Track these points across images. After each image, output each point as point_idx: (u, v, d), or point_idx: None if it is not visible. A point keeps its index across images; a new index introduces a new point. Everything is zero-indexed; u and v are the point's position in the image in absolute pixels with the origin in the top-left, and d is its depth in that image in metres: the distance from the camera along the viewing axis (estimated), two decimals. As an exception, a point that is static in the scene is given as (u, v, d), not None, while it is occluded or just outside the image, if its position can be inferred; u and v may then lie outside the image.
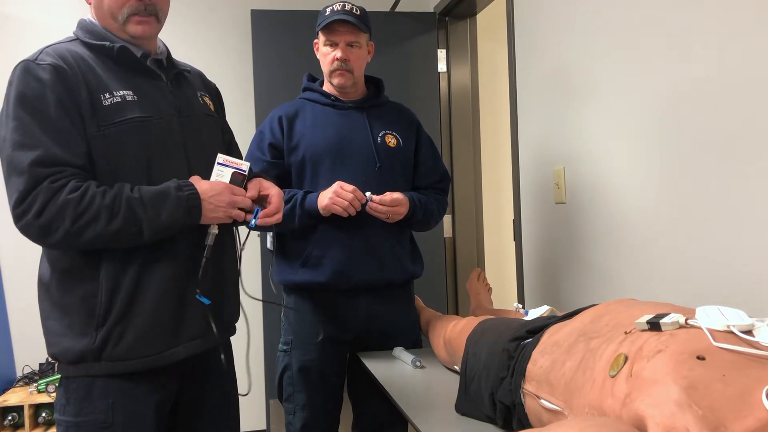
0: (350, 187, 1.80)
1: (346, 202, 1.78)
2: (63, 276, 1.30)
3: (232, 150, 1.61)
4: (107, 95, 1.29)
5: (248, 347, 1.53)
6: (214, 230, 1.38)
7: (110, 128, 1.28)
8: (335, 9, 1.89)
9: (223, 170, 1.39)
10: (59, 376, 1.36)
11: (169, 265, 1.33)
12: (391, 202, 1.83)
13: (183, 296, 1.35)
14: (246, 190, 1.42)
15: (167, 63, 1.44)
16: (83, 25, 1.38)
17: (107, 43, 1.34)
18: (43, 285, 1.34)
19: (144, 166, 1.32)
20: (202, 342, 1.39)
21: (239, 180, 1.40)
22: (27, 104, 1.23)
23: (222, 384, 1.50)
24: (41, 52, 1.29)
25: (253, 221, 1.42)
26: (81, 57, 1.31)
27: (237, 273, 1.52)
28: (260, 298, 2.77)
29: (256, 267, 2.98)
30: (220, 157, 1.40)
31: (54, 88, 1.24)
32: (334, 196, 1.78)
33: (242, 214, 1.39)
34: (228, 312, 1.50)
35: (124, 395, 1.30)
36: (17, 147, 1.21)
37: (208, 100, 1.53)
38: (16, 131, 1.22)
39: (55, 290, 1.30)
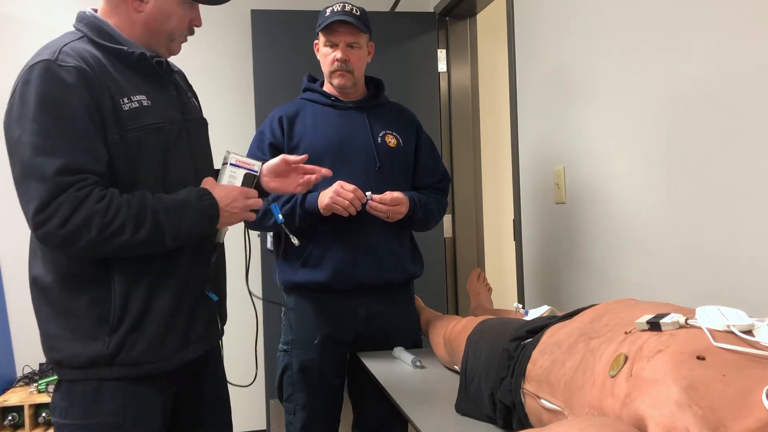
0: (351, 186, 1.80)
1: (347, 202, 1.78)
2: (68, 280, 1.27)
3: None
4: (126, 100, 1.28)
5: (256, 340, 1.55)
6: (225, 229, 1.41)
7: (130, 134, 1.27)
8: (335, 9, 1.89)
9: (236, 172, 1.39)
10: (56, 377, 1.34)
11: (182, 269, 1.34)
12: (391, 201, 1.83)
13: (193, 299, 1.36)
14: (258, 189, 1.43)
15: (166, 65, 1.43)
16: (88, 22, 1.33)
17: (125, 48, 1.31)
18: (39, 288, 1.30)
19: (160, 171, 1.32)
20: (204, 344, 1.41)
21: (250, 180, 1.41)
22: (50, 108, 1.19)
23: (216, 385, 1.52)
24: (60, 51, 1.23)
25: (279, 216, 1.47)
26: (98, 59, 1.28)
27: (226, 271, 1.54)
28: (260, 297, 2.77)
29: (256, 267, 2.98)
30: (233, 157, 1.40)
31: (79, 92, 1.21)
32: (335, 195, 1.79)
33: (254, 215, 1.41)
34: (226, 312, 1.53)
35: (133, 397, 1.29)
36: (39, 152, 1.17)
37: (196, 102, 1.55)
38: (37, 135, 1.18)
39: (57, 294, 1.27)
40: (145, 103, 1.31)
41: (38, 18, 3.05)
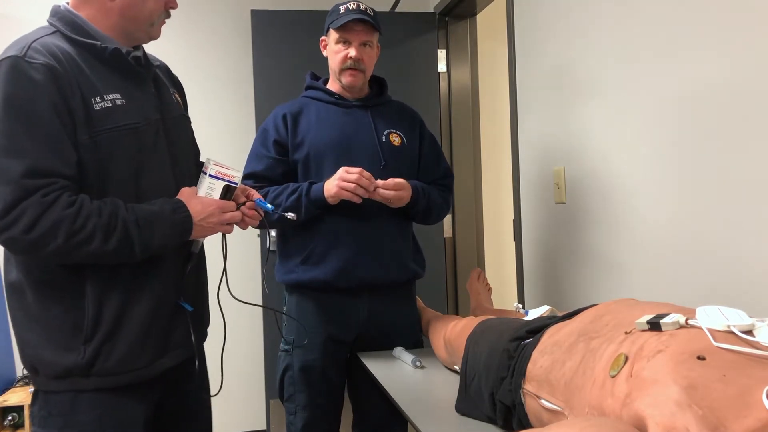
0: (356, 168, 1.78)
1: (353, 185, 1.77)
2: (41, 287, 1.23)
3: (195, 146, 1.58)
4: (98, 99, 1.21)
5: (224, 347, 1.54)
6: (200, 239, 1.39)
7: (101, 135, 1.21)
8: (350, 8, 1.88)
9: (214, 183, 1.35)
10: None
11: (157, 277, 1.30)
12: (394, 186, 1.82)
13: (170, 308, 1.33)
14: (235, 198, 1.40)
15: (145, 60, 1.36)
16: (62, 16, 1.27)
17: (98, 43, 1.25)
18: (15, 292, 1.25)
19: (133, 174, 1.27)
20: (184, 350, 1.38)
21: (230, 193, 1.37)
22: (17, 107, 1.14)
23: (199, 392, 1.50)
24: (29, 47, 1.17)
25: (269, 206, 1.44)
26: (70, 55, 1.21)
27: (206, 279, 1.51)
28: (260, 299, 2.77)
29: (256, 267, 2.98)
30: (213, 168, 1.35)
31: (47, 90, 1.15)
32: (341, 181, 1.77)
33: (230, 228, 1.39)
34: (206, 318, 1.51)
35: (111, 406, 1.26)
36: (4, 154, 1.13)
37: (178, 98, 1.49)
38: (3, 135, 1.13)
39: (32, 301, 1.23)
40: (118, 102, 1.24)
41: (38, 18, 3.03)
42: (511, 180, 2.50)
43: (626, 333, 0.95)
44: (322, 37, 1.98)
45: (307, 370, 1.90)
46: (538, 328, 1.23)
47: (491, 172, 3.52)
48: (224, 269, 1.48)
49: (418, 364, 1.75)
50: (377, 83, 2.06)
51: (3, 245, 1.17)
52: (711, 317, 0.88)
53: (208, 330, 1.54)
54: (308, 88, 2.03)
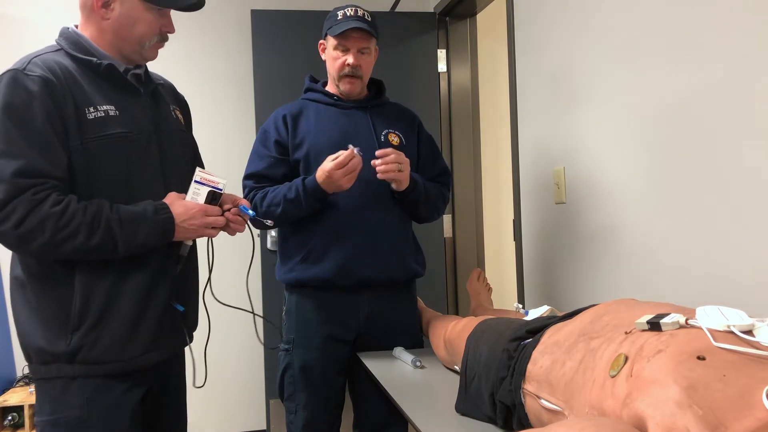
0: (332, 156, 1.76)
1: (348, 169, 1.75)
2: (38, 280, 1.33)
3: (197, 162, 1.65)
4: (91, 109, 1.32)
5: (207, 343, 1.60)
6: (188, 242, 1.46)
7: (92, 142, 1.31)
8: (348, 14, 1.88)
9: (199, 189, 1.42)
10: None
11: (144, 272, 1.38)
12: (392, 152, 1.80)
13: (156, 303, 1.40)
14: (222, 205, 1.45)
15: (145, 77, 1.47)
16: (68, 36, 1.40)
17: (94, 59, 1.37)
18: (18, 286, 1.36)
19: (122, 180, 1.36)
20: (169, 349, 1.47)
21: (215, 198, 1.43)
22: (13, 114, 1.25)
23: (179, 391, 1.58)
24: (29, 62, 1.30)
25: (251, 212, 1.49)
26: (67, 69, 1.33)
27: (197, 282, 1.58)
28: (260, 298, 2.77)
29: (256, 268, 2.97)
30: (198, 174, 1.43)
31: (42, 100, 1.26)
32: (342, 175, 1.75)
33: (215, 232, 1.45)
34: (193, 318, 1.57)
35: (100, 392, 1.34)
36: (0, 155, 1.23)
37: (179, 114, 1.58)
38: (0, 139, 1.24)
39: (30, 293, 1.33)
40: (111, 112, 1.35)
41: (38, 18, 3.04)
42: (511, 180, 2.50)
43: (626, 333, 0.95)
44: (321, 41, 1.99)
45: (308, 369, 1.90)
46: (538, 328, 1.23)
47: (491, 172, 3.52)
48: (209, 272, 1.54)
49: (418, 364, 1.75)
50: (375, 85, 2.07)
51: None
52: (711, 317, 0.88)
53: (206, 330, 1.60)
54: (307, 90, 2.04)
